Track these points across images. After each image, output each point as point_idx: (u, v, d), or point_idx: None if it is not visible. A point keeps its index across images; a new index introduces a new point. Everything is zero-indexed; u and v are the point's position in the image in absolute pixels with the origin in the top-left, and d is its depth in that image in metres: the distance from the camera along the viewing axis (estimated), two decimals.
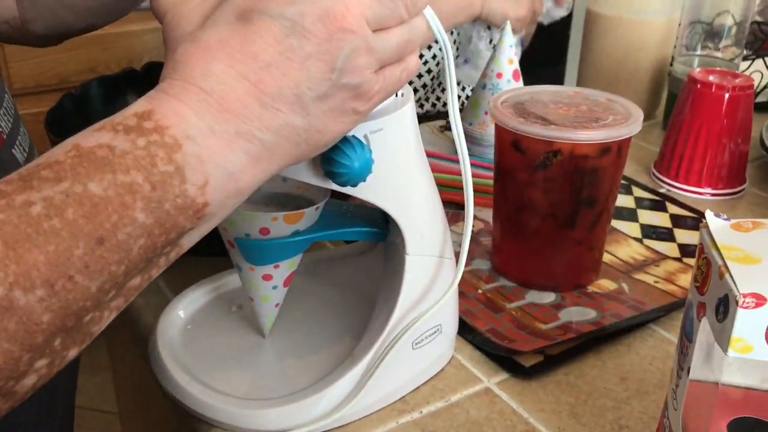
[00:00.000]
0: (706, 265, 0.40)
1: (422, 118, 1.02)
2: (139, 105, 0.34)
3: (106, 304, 0.33)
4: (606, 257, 0.69)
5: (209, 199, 0.34)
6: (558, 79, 1.01)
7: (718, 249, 0.39)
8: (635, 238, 0.73)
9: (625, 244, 0.72)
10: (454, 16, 0.93)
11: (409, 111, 0.48)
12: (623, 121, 0.60)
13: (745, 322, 0.35)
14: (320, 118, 0.36)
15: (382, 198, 0.47)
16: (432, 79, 1.09)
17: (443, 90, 1.07)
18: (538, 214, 0.62)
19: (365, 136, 0.44)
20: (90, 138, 0.32)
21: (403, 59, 0.39)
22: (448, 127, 1.00)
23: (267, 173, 0.36)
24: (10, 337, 0.29)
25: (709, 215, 0.42)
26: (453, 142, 0.93)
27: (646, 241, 0.72)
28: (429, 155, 0.86)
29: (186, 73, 0.34)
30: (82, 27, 0.62)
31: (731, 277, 0.36)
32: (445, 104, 1.09)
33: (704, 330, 0.39)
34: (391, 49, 0.38)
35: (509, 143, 0.61)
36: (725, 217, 0.42)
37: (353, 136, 0.43)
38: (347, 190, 0.44)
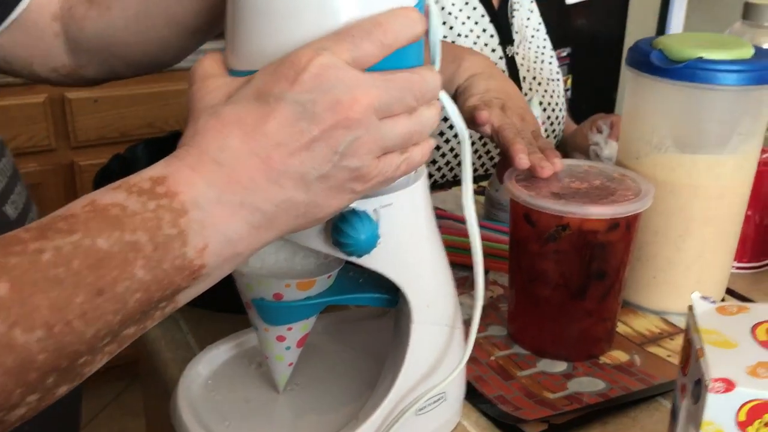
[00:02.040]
0: (688, 347, 0.42)
1: (454, 183, 1.05)
2: (156, 169, 0.38)
3: (99, 349, 0.36)
4: (621, 328, 0.70)
5: (206, 261, 0.37)
6: None
7: (699, 332, 0.41)
8: (653, 311, 0.74)
9: (641, 316, 0.73)
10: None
11: (420, 187, 0.51)
12: (633, 197, 0.62)
13: (715, 406, 0.36)
14: (320, 194, 0.40)
15: (388, 267, 0.49)
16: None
17: (479, 157, 1.11)
18: (550, 284, 0.64)
19: (375, 210, 0.47)
20: (106, 196, 0.36)
21: (407, 149, 0.42)
22: (479, 192, 1.03)
23: (265, 241, 0.40)
24: (7, 372, 0.33)
25: (695, 297, 0.44)
26: (483, 206, 0.96)
27: (664, 314, 0.73)
28: (456, 219, 0.90)
29: (203, 144, 0.38)
30: (129, 75, 0.67)
31: (705, 360, 0.38)
32: (474, 167, 1.12)
33: (684, 411, 0.41)
34: (395, 138, 0.41)
35: (521, 215, 0.64)
36: (712, 299, 0.43)
37: (363, 210, 0.46)
38: (353, 259, 0.47)
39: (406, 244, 0.50)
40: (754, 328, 0.40)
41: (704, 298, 0.43)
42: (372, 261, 0.48)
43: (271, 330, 0.54)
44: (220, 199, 0.37)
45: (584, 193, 0.63)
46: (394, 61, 0.41)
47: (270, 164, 0.38)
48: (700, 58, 0.64)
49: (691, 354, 0.41)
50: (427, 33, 0.45)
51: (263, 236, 0.39)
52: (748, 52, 0.65)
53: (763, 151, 0.81)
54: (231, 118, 0.39)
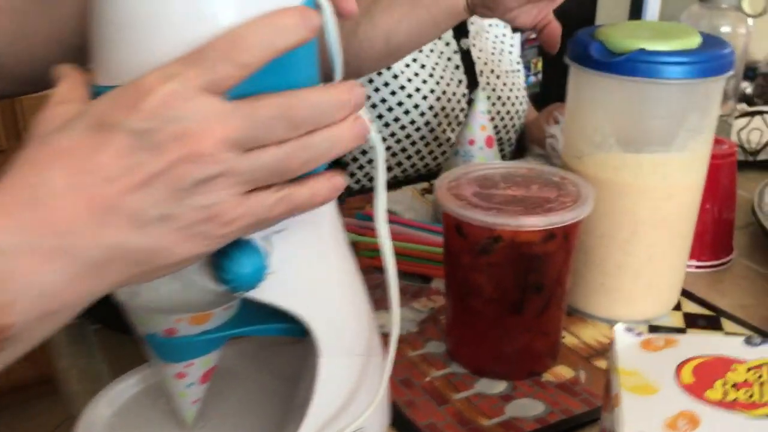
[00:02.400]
0: (607, 388, 0.37)
1: (403, 182, 1.00)
2: None
3: None
4: (568, 339, 0.66)
5: (15, 320, 0.32)
6: None
7: (618, 373, 0.36)
8: (602, 318, 0.69)
9: (590, 324, 0.68)
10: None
11: (324, 207, 0.45)
12: (571, 205, 0.57)
13: None
14: (165, 237, 0.34)
15: (285, 299, 0.44)
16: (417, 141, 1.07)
17: (430, 152, 1.05)
18: (484, 298, 0.59)
19: (265, 238, 0.42)
20: None
21: (285, 186, 0.36)
22: (430, 190, 0.98)
23: (94, 293, 0.34)
24: None
25: (618, 330, 0.39)
26: (432, 206, 0.91)
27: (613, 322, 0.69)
28: (404, 224, 0.85)
29: (21, 179, 0.33)
30: (22, 93, 0.62)
31: (621, 411, 0.33)
32: (428, 165, 1.06)
33: None
34: (261, 171, 0.35)
35: (453, 227, 0.59)
36: (637, 331, 0.39)
37: (247, 240, 0.41)
38: (241, 294, 0.42)
39: (307, 272, 0.45)
40: (679, 367, 0.36)
41: (629, 329, 0.39)
42: (265, 294, 0.43)
43: (169, 367, 0.49)
44: (32, 244, 0.31)
45: (519, 201, 0.58)
46: (271, 77, 0.36)
47: (96, 202, 0.32)
48: (642, 49, 0.59)
49: (609, 397, 0.36)
50: (323, 34, 0.40)
51: (89, 287, 0.33)
52: (694, 42, 0.60)
53: (718, 142, 0.77)
54: (59, 148, 0.33)
